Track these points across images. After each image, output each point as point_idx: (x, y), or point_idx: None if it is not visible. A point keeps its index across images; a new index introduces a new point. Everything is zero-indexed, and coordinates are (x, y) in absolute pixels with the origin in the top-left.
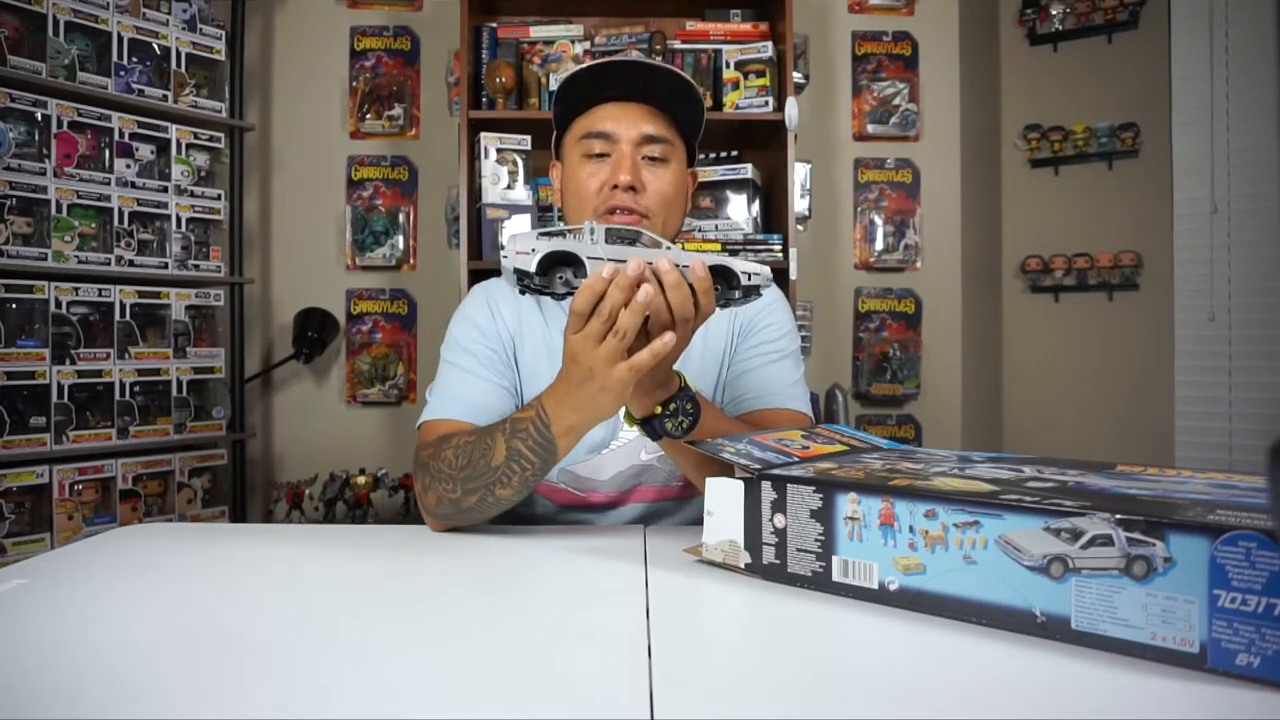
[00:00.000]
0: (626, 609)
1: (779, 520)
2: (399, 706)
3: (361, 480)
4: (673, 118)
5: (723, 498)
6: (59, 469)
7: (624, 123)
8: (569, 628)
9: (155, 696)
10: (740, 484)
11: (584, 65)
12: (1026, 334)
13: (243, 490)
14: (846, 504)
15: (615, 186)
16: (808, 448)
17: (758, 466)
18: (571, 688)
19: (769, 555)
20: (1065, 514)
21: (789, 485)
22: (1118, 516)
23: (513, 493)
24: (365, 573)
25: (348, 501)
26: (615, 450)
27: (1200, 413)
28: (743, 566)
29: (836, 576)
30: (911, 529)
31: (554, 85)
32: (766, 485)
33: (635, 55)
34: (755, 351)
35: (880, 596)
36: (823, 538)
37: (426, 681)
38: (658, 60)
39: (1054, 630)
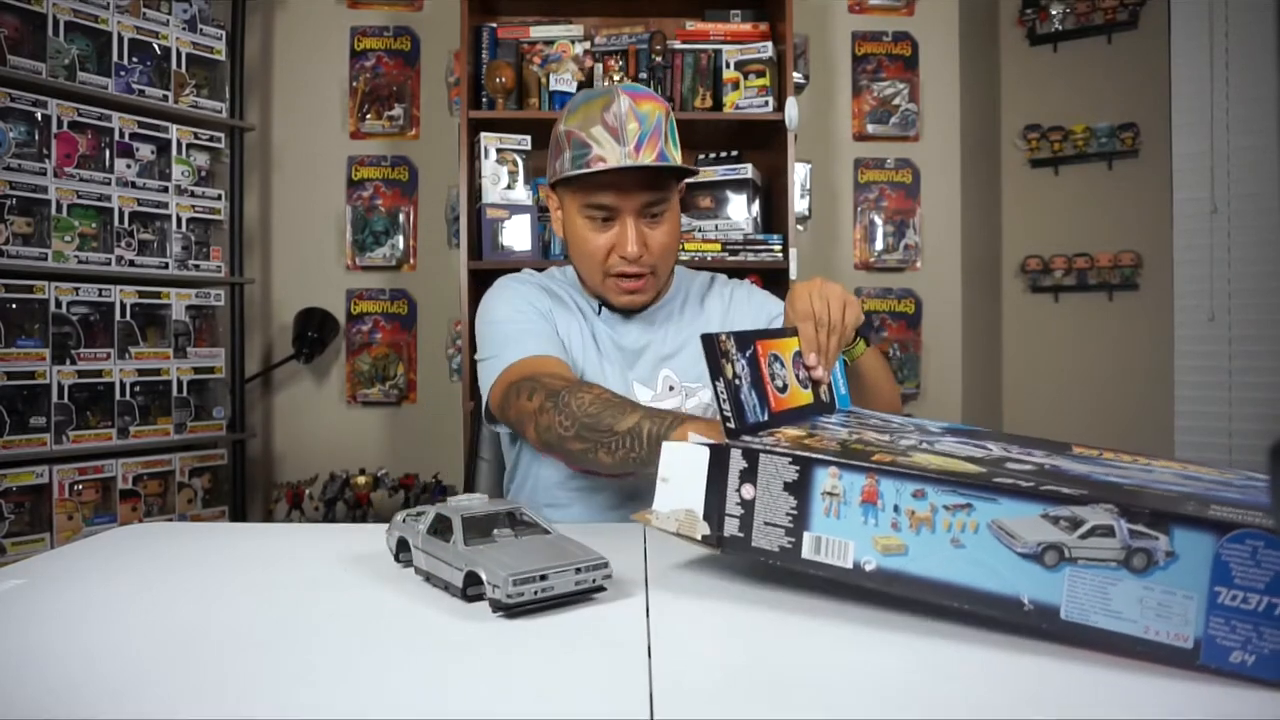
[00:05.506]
0: (626, 609)
1: (747, 491)
2: (398, 705)
3: (361, 480)
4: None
5: (681, 464)
6: (59, 469)
7: (625, 196)
8: (568, 627)
9: (154, 696)
10: (704, 450)
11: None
12: (1026, 334)
13: (243, 490)
14: (826, 478)
15: (623, 256)
16: (783, 392)
17: (734, 427)
18: (571, 687)
19: (732, 528)
20: (1066, 501)
21: (762, 455)
22: (1123, 507)
23: (612, 462)
24: (364, 572)
25: (348, 501)
26: None
27: (1200, 412)
28: (699, 538)
29: (806, 554)
30: (897, 508)
31: (554, 85)
32: (736, 454)
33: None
34: None
35: (853, 576)
36: (795, 512)
37: (425, 680)
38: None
39: (1041, 619)
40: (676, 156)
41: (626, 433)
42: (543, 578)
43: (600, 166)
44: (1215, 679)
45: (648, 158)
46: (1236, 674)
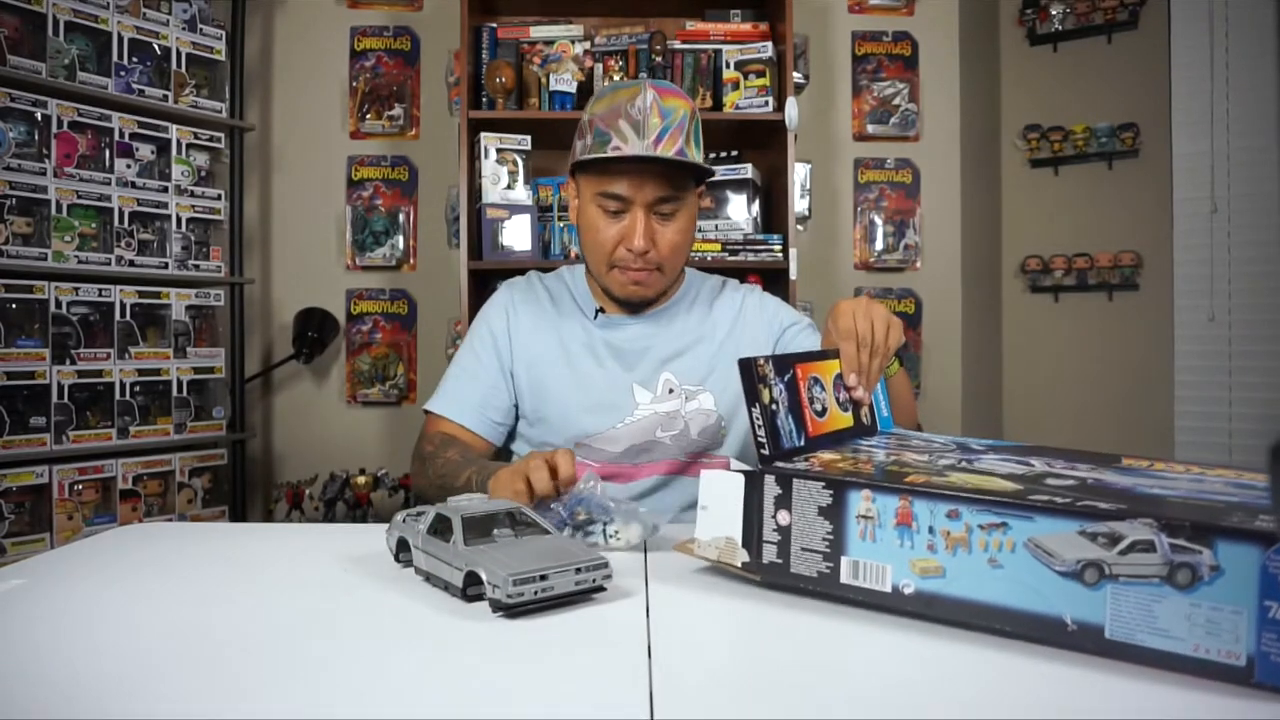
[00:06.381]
0: (626, 609)
1: (783, 517)
2: (398, 705)
3: (361, 480)
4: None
5: (719, 491)
6: (59, 469)
7: (638, 188)
8: (568, 627)
9: (154, 696)
10: (740, 478)
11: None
12: (1026, 334)
13: (243, 490)
14: (860, 502)
15: (629, 249)
16: (822, 416)
17: (769, 453)
18: (571, 687)
19: (770, 554)
20: (1103, 517)
21: (795, 480)
22: (1162, 521)
23: None
24: (364, 572)
25: (348, 501)
26: (630, 425)
27: (1200, 413)
28: (739, 565)
29: (845, 578)
30: (931, 530)
31: (554, 85)
32: (770, 480)
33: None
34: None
35: (894, 600)
36: (831, 537)
37: (426, 680)
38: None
39: (1085, 639)
40: (697, 157)
41: (464, 485)
42: (543, 578)
43: (616, 153)
44: (1272, 696)
45: (667, 153)
46: None
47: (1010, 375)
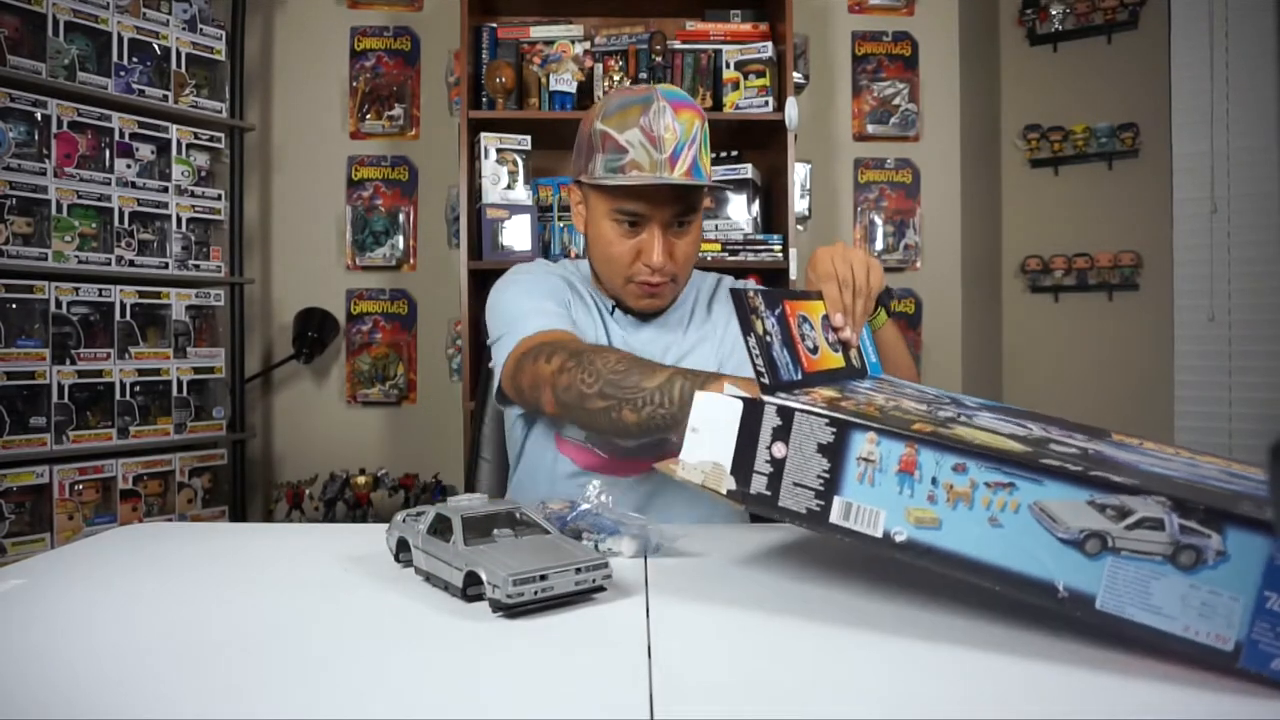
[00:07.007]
0: (626, 609)
1: (778, 449)
2: (398, 705)
3: (361, 480)
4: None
5: (712, 415)
6: (59, 469)
7: (655, 207)
8: (568, 627)
9: (154, 696)
10: (737, 404)
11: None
12: (1026, 334)
13: (243, 490)
14: (863, 444)
15: (647, 265)
16: (815, 354)
17: (768, 382)
18: (571, 687)
19: (759, 485)
20: (1117, 490)
21: (797, 414)
22: (1175, 501)
23: (635, 421)
24: (364, 572)
25: (348, 501)
26: None
27: (1200, 413)
28: (724, 492)
29: (835, 519)
30: (934, 481)
31: (554, 85)
32: (770, 410)
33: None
34: None
35: (883, 547)
36: (827, 475)
37: (426, 680)
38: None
39: (1074, 608)
40: (709, 168)
41: (656, 389)
42: (543, 578)
43: (635, 174)
44: (1233, 687)
45: (682, 170)
46: (1272, 681)
47: (1010, 375)
